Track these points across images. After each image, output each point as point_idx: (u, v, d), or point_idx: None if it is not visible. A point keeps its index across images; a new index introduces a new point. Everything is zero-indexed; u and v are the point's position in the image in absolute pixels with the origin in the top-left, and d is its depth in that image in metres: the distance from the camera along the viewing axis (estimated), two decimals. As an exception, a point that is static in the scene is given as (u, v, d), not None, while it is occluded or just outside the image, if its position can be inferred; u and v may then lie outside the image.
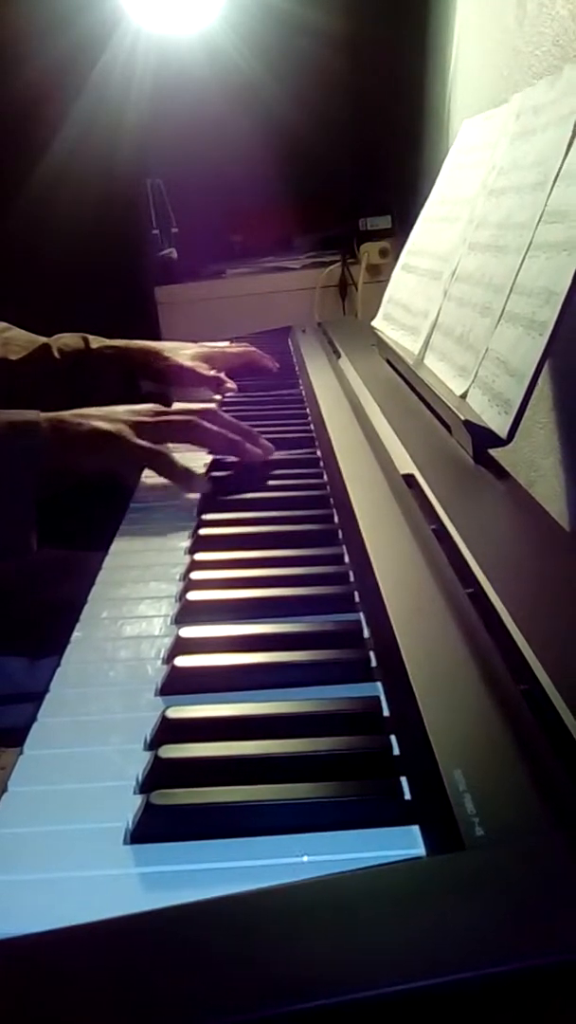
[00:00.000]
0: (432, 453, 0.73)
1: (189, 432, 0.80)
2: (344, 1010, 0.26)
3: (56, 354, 1.10)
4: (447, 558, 0.54)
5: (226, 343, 1.34)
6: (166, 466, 0.77)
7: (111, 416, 0.78)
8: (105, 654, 0.52)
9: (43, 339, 1.13)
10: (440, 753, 0.37)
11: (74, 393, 1.05)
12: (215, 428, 0.80)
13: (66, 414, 0.78)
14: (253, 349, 1.24)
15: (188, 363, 1.13)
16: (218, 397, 1.11)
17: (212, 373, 1.13)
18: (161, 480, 0.78)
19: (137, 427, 0.77)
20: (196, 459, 0.83)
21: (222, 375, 1.14)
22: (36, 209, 2.16)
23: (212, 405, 0.84)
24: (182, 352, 1.15)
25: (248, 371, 1.20)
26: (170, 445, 0.80)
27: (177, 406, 0.83)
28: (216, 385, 1.12)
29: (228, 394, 1.13)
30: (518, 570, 0.54)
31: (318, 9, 2.18)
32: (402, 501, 0.64)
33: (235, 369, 1.20)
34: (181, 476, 0.77)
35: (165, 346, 1.16)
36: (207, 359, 1.16)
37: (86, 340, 1.13)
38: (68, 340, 1.12)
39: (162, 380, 1.14)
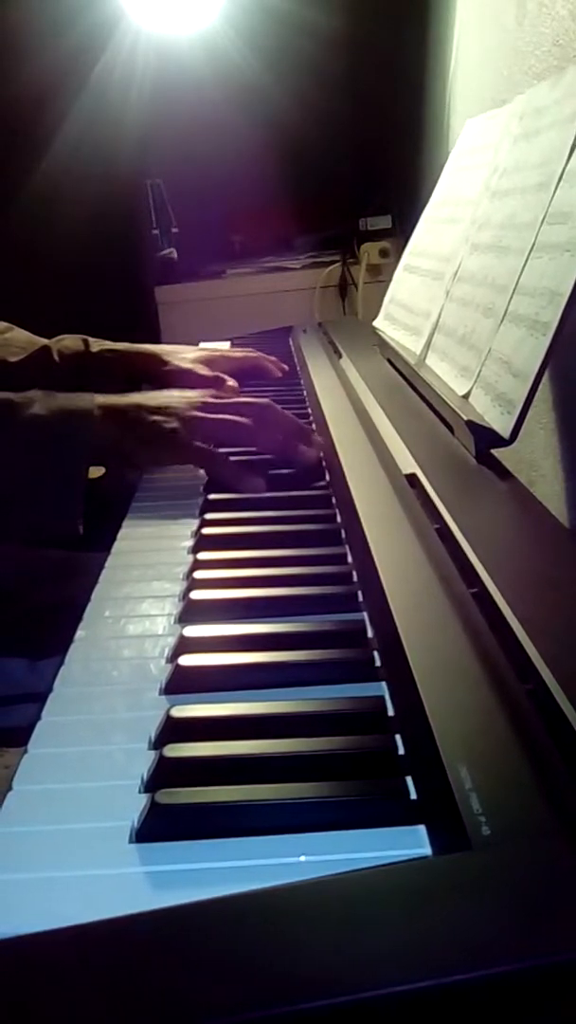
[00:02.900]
0: (434, 453, 0.73)
1: (246, 438, 0.79)
2: (348, 1010, 0.26)
3: (56, 356, 1.10)
4: (450, 557, 0.54)
5: (227, 344, 1.34)
6: (220, 469, 0.76)
7: (168, 407, 0.77)
8: (109, 653, 0.52)
9: (43, 340, 1.12)
10: (445, 752, 0.37)
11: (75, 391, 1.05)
12: (272, 439, 0.79)
13: (122, 401, 0.77)
14: (258, 355, 1.22)
15: (188, 366, 1.12)
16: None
17: (212, 375, 1.12)
18: (163, 479, 0.78)
19: (192, 424, 0.76)
20: None
21: (223, 376, 1.14)
22: (36, 209, 2.16)
23: (266, 401, 0.82)
24: (182, 355, 1.15)
25: (251, 375, 1.20)
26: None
27: (235, 400, 0.81)
28: (218, 387, 1.12)
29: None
30: (521, 569, 0.54)
31: (318, 9, 2.18)
32: (405, 501, 0.64)
33: (238, 373, 1.19)
34: (237, 479, 0.75)
35: (166, 349, 1.16)
36: (208, 362, 1.15)
37: (86, 343, 1.13)
38: (68, 342, 1.12)
39: (162, 383, 1.13)
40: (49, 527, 0.74)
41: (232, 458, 0.81)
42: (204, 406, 0.79)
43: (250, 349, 1.25)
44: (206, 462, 0.78)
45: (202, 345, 1.33)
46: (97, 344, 1.13)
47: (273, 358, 1.23)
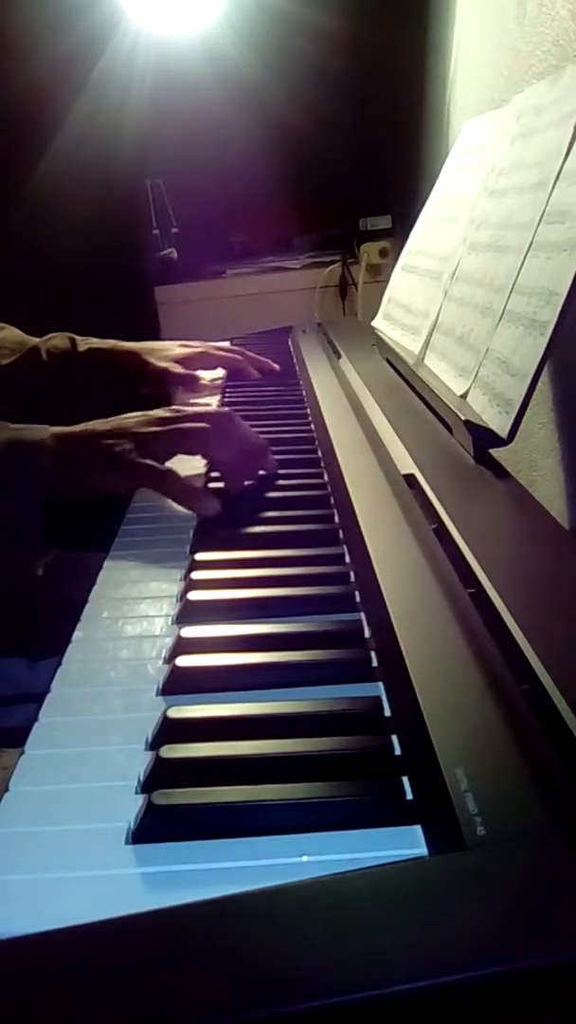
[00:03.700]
0: (432, 453, 0.73)
1: (199, 444, 0.76)
2: (345, 1010, 0.26)
3: (44, 356, 1.10)
4: (448, 558, 0.54)
5: (226, 343, 1.34)
6: (171, 488, 0.74)
7: (119, 429, 0.75)
8: (106, 654, 0.52)
9: (34, 340, 1.13)
10: (442, 753, 0.37)
11: (64, 395, 1.05)
12: (225, 446, 0.77)
13: (76, 429, 0.75)
14: (240, 357, 1.21)
15: (163, 365, 1.12)
16: (217, 395, 1.11)
17: (185, 373, 1.12)
18: None
19: (143, 441, 0.74)
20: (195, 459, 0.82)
21: (195, 375, 1.13)
22: (36, 209, 2.16)
23: (226, 410, 0.80)
24: (161, 353, 1.14)
25: (234, 375, 1.20)
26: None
27: (192, 410, 0.79)
28: (191, 384, 1.12)
29: (229, 394, 1.13)
30: (519, 570, 0.54)
31: (318, 9, 2.18)
32: (403, 501, 0.64)
33: (225, 370, 1.19)
34: (187, 497, 0.73)
35: (148, 347, 1.15)
36: (186, 359, 1.15)
37: (73, 341, 1.13)
38: (57, 342, 1.12)
39: (143, 382, 1.13)
40: (6, 565, 0.71)
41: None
42: (160, 421, 0.76)
43: (237, 348, 1.23)
44: (158, 483, 0.74)
45: None
46: (84, 343, 1.13)
47: (262, 358, 1.22)
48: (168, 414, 0.78)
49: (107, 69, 2.18)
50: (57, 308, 1.22)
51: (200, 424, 0.76)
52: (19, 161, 2.20)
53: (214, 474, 0.79)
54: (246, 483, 0.78)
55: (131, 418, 0.77)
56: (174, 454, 0.77)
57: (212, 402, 1.09)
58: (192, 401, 1.10)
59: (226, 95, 2.26)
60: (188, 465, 0.79)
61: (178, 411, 0.78)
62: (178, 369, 1.12)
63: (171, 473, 0.74)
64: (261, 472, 0.79)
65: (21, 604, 0.81)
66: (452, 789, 0.35)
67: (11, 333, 1.13)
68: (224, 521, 0.70)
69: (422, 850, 0.35)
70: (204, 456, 0.79)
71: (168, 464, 0.75)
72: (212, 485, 0.78)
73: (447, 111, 1.51)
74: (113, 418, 0.77)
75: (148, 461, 0.73)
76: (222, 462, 0.77)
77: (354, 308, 2.28)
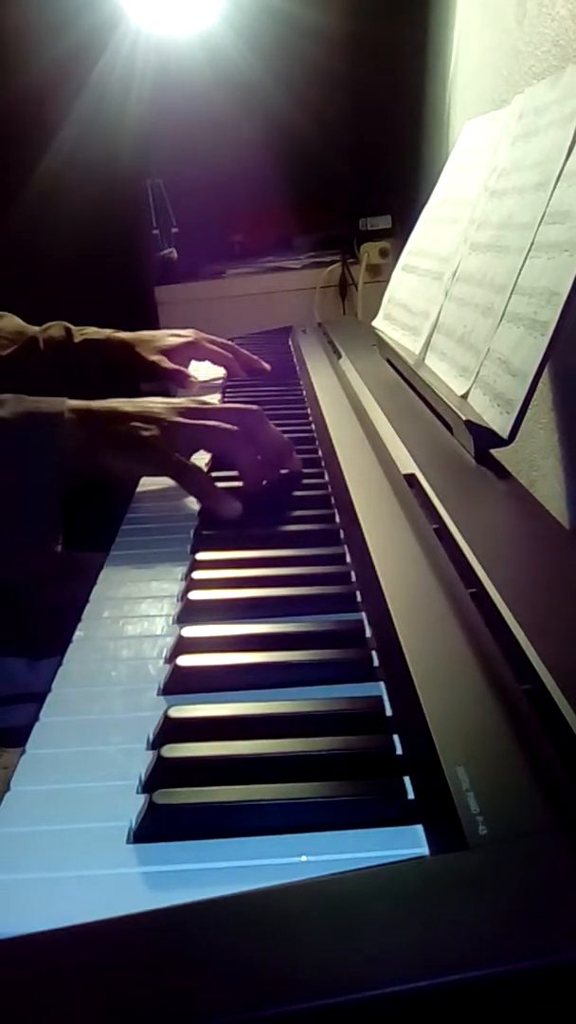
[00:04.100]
0: (433, 453, 0.73)
1: (225, 443, 0.74)
2: (346, 1010, 0.26)
3: (42, 346, 1.11)
4: (449, 558, 0.54)
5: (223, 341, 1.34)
6: (194, 484, 0.71)
7: (146, 413, 0.72)
8: (107, 653, 0.52)
9: (33, 329, 1.13)
10: (443, 752, 0.37)
11: (59, 385, 1.05)
12: (251, 446, 0.74)
13: (96, 405, 0.72)
14: (227, 354, 1.19)
15: (152, 357, 1.12)
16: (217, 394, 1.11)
17: (172, 368, 1.12)
18: (162, 480, 0.77)
19: (171, 430, 0.72)
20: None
21: (182, 370, 1.13)
22: (37, 209, 2.16)
23: (255, 408, 0.76)
24: (152, 344, 1.14)
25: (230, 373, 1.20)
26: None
27: (222, 404, 0.77)
28: (180, 379, 1.12)
29: (229, 393, 1.13)
30: (520, 569, 0.54)
31: (318, 9, 2.18)
32: (403, 501, 0.64)
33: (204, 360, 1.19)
34: (209, 496, 0.70)
35: (140, 337, 1.15)
36: (174, 351, 1.14)
37: (69, 331, 1.13)
38: (53, 332, 1.13)
39: (135, 375, 1.13)
40: (20, 545, 0.68)
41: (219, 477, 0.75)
42: (188, 412, 0.74)
43: (230, 345, 1.21)
44: (182, 476, 0.72)
45: None
46: (80, 333, 1.13)
47: (255, 357, 1.21)
48: (195, 405, 0.75)
49: (107, 69, 2.18)
50: (57, 308, 1.21)
51: (230, 425, 0.73)
52: (19, 161, 2.20)
53: (228, 472, 0.77)
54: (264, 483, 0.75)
55: (156, 403, 0.75)
56: (199, 449, 0.75)
57: (214, 400, 1.08)
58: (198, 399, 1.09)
59: (226, 95, 2.26)
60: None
61: (204, 402, 0.76)
62: (167, 364, 1.11)
63: (196, 468, 0.72)
64: (285, 472, 0.77)
65: (22, 603, 0.81)
66: (454, 789, 0.35)
67: (10, 322, 1.14)
68: (225, 521, 0.70)
69: (423, 850, 0.35)
70: (228, 455, 0.76)
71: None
72: (225, 485, 0.76)
73: (447, 111, 1.51)
74: (136, 400, 0.75)
75: (176, 455, 0.71)
76: (246, 462, 0.74)
77: (354, 308, 2.28)
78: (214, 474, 0.76)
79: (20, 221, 2.17)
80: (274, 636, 0.51)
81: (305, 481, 0.77)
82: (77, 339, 1.12)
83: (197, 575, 0.60)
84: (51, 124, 2.20)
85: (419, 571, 0.53)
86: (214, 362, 1.19)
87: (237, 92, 2.26)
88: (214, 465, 0.79)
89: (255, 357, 1.21)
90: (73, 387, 1.05)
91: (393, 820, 0.36)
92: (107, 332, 1.14)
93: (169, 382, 1.12)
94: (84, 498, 0.76)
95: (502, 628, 0.45)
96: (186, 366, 1.15)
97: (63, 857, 0.36)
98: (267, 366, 1.21)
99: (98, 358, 1.11)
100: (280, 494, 0.75)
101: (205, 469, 0.77)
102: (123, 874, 0.35)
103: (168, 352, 1.13)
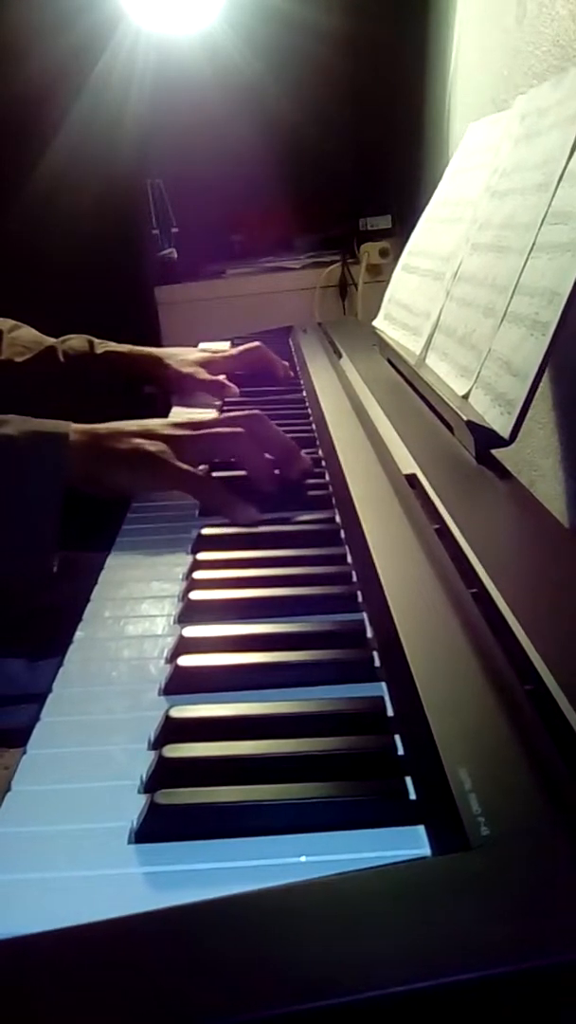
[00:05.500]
0: (434, 453, 0.73)
1: (233, 449, 0.75)
2: (348, 1011, 0.26)
3: (61, 357, 1.10)
4: (450, 558, 0.54)
5: (227, 344, 1.34)
6: (211, 495, 0.72)
7: (149, 431, 0.73)
8: (108, 653, 0.52)
9: (50, 340, 1.12)
10: (445, 753, 0.37)
11: (75, 396, 1.05)
12: (259, 450, 0.75)
13: (100, 427, 0.73)
14: (258, 344, 1.19)
15: (187, 369, 1.12)
16: (218, 402, 1.11)
17: (210, 378, 1.12)
18: None
19: (178, 443, 0.72)
20: None
21: (222, 379, 1.13)
22: (37, 209, 2.16)
23: (258, 412, 0.77)
24: (183, 358, 1.14)
25: (255, 370, 1.19)
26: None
27: (222, 415, 0.77)
28: (217, 389, 1.12)
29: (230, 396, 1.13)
30: (521, 569, 0.54)
31: (318, 9, 2.18)
32: (404, 501, 0.64)
33: (241, 372, 1.19)
34: (227, 505, 0.70)
35: (168, 352, 1.15)
36: (209, 364, 1.15)
37: (91, 343, 1.12)
38: (74, 343, 1.12)
39: (163, 386, 1.13)
40: (17, 559, 0.69)
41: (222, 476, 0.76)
42: (190, 425, 0.75)
43: (255, 343, 1.21)
44: (196, 488, 0.72)
45: (202, 346, 1.33)
46: (102, 345, 1.13)
47: (285, 363, 1.22)
48: (195, 419, 0.76)
49: (107, 69, 2.18)
50: (57, 308, 1.22)
51: (235, 428, 0.74)
52: (19, 161, 2.20)
53: (235, 473, 0.77)
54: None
55: (157, 422, 0.76)
56: (209, 459, 0.76)
57: (212, 413, 1.08)
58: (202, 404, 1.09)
59: (226, 95, 2.26)
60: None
61: (203, 420, 0.76)
62: (204, 375, 1.11)
63: (210, 479, 0.73)
64: (293, 479, 0.77)
65: (22, 604, 0.81)
66: (455, 789, 0.35)
67: (27, 332, 1.13)
68: (226, 521, 0.70)
69: (425, 850, 0.35)
70: (238, 460, 0.76)
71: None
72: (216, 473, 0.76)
73: (447, 111, 1.51)
74: (135, 420, 0.75)
75: (184, 466, 0.72)
76: (256, 466, 0.75)
77: (354, 308, 2.28)
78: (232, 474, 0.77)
79: (20, 221, 2.17)
80: (275, 636, 0.51)
81: (306, 481, 0.77)
82: (99, 350, 1.12)
83: (198, 575, 0.60)
84: (51, 124, 2.20)
85: (420, 571, 0.53)
86: (249, 365, 1.19)
87: (237, 92, 2.26)
88: (212, 469, 0.79)
89: (285, 363, 1.21)
90: (94, 400, 1.04)
91: (394, 821, 0.36)
92: (128, 346, 1.14)
93: (207, 394, 1.11)
94: (84, 498, 0.77)
95: (503, 628, 0.45)
96: (235, 374, 1.16)
97: (64, 857, 0.36)
98: (287, 363, 1.21)
99: (122, 370, 1.11)
100: (281, 494, 0.75)
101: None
102: (124, 874, 0.35)
103: (204, 365, 1.13)
